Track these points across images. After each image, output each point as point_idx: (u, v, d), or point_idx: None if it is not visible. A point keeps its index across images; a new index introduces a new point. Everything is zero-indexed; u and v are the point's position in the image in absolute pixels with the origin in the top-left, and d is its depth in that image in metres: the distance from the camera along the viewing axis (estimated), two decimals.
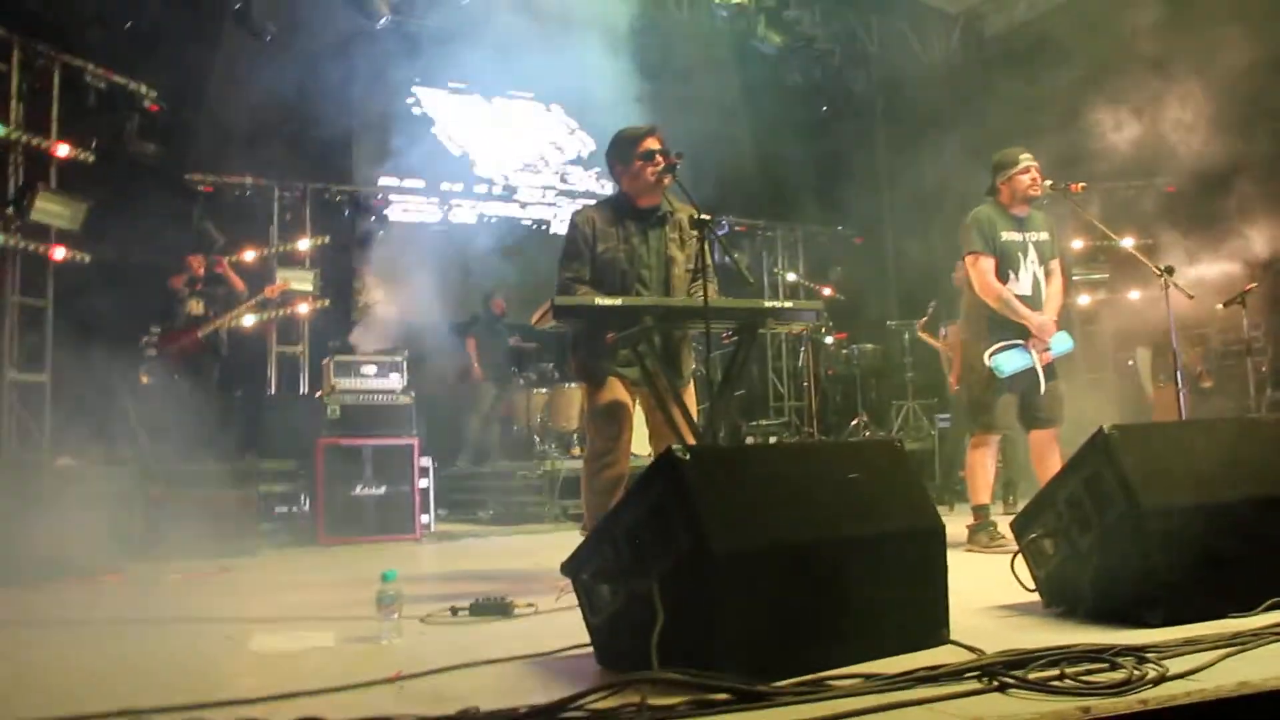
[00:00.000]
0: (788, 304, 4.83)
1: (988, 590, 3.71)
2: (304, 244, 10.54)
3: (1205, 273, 8.31)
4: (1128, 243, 6.95)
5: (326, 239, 10.51)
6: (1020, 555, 3.42)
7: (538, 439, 9.97)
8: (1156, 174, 10.76)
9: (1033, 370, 5.48)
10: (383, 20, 10.29)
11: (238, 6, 9.67)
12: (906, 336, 10.70)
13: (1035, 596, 3.39)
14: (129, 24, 8.98)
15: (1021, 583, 3.37)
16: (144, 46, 8.95)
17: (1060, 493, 3.28)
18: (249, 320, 8.75)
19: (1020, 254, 5.60)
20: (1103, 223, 6.66)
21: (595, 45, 8.41)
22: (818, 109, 13.57)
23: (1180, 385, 5.37)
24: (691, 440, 4.21)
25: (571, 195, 12.98)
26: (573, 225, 4.67)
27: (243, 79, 9.68)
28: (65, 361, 7.94)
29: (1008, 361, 5.46)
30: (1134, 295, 10.57)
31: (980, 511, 5.70)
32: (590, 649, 2.84)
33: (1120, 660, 2.37)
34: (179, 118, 9.46)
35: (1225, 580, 3.04)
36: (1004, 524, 4.72)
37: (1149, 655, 2.42)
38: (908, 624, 2.81)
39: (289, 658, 3.15)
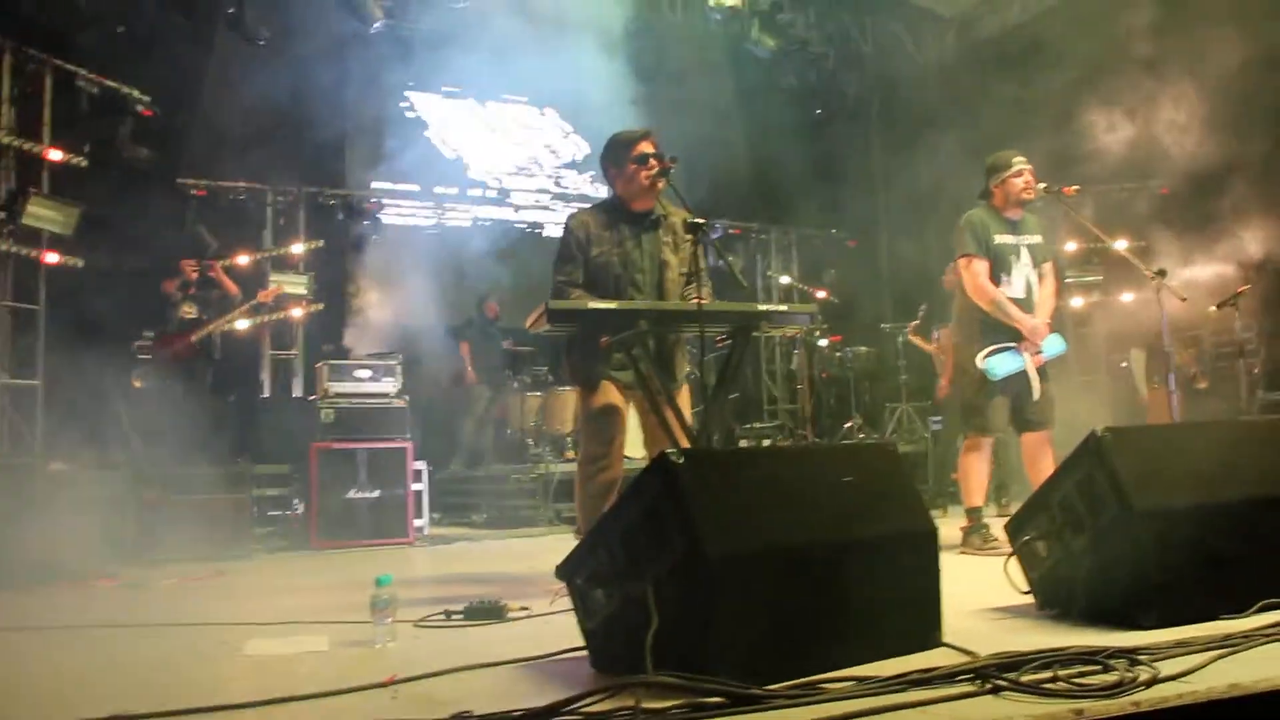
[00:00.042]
0: (782, 307, 4.82)
1: (981, 592, 3.71)
2: (298, 248, 10.53)
3: (1199, 274, 8.34)
4: (1121, 245, 6.95)
5: (320, 243, 10.49)
6: (1014, 557, 3.43)
7: (532, 442, 9.96)
8: (1150, 176, 10.78)
9: (1025, 373, 5.49)
10: (376, 24, 10.29)
11: (231, 11, 9.68)
12: (900, 339, 10.70)
13: (1029, 599, 3.39)
14: (122, 28, 8.97)
15: (1015, 585, 3.38)
16: (137, 51, 8.94)
17: (1053, 495, 3.28)
18: (243, 324, 8.74)
19: (1013, 257, 5.61)
20: (1096, 225, 6.68)
21: (589, 49, 8.42)
22: (812, 112, 13.58)
23: (1173, 387, 5.38)
24: (685, 443, 4.21)
25: (565, 199, 12.98)
26: (567, 229, 4.68)
27: (236, 83, 9.68)
28: (58, 366, 7.94)
29: (1000, 364, 5.47)
30: (1127, 297, 10.59)
31: (973, 514, 5.70)
32: (585, 652, 2.84)
33: (1113, 662, 2.37)
34: (172, 122, 9.46)
35: (1218, 582, 3.04)
36: (997, 526, 4.72)
37: (1141, 657, 2.43)
38: (901, 627, 2.81)
39: (283, 662, 3.15)
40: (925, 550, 2.95)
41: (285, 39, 9.82)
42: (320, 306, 10.16)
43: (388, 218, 11.76)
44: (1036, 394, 5.51)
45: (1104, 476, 3.09)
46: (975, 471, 5.75)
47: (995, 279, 5.55)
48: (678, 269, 4.67)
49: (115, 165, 8.66)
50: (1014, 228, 5.66)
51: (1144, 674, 2.29)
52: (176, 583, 5.68)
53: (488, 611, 3.78)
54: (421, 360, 9.84)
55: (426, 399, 9.51)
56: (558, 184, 13.13)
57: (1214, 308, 8.13)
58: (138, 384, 8.10)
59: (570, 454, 9.48)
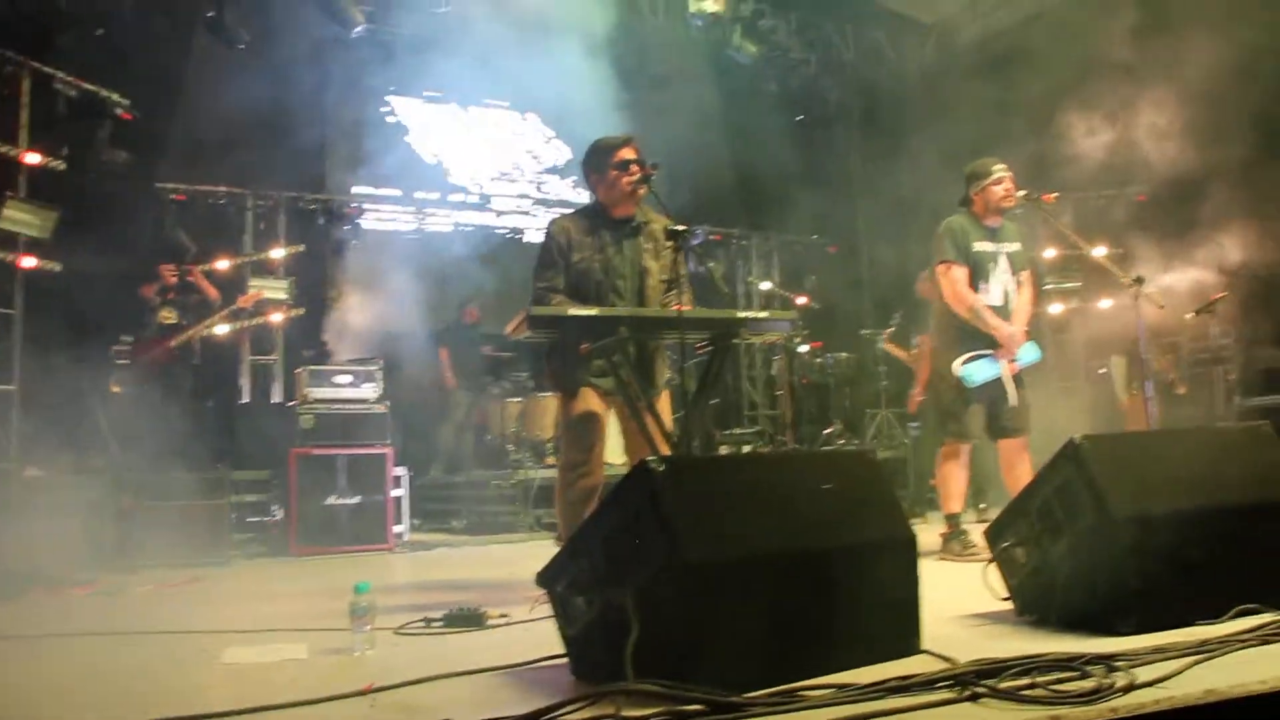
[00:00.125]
0: (762, 314, 4.86)
1: (960, 599, 3.72)
2: (278, 253, 10.49)
3: (1176, 281, 8.40)
4: (1099, 252, 7.00)
5: (301, 248, 10.45)
6: (992, 564, 3.44)
7: (512, 448, 9.94)
8: (1128, 183, 10.85)
9: (1001, 380, 5.51)
10: (357, 29, 10.27)
11: (210, 14, 9.63)
12: (879, 346, 10.73)
13: (1007, 605, 3.41)
14: (100, 31, 8.92)
15: (994, 591, 3.39)
16: (116, 54, 8.89)
17: (1032, 502, 3.30)
18: (222, 329, 8.69)
19: (992, 264, 5.63)
20: (1075, 232, 6.71)
21: (571, 54, 8.43)
22: (793, 118, 13.61)
23: (1149, 394, 5.41)
24: (666, 450, 4.21)
25: (547, 204, 12.97)
26: (548, 235, 4.67)
27: (216, 87, 9.63)
28: (35, 371, 7.87)
29: (977, 371, 5.49)
30: (1106, 304, 10.65)
31: (952, 520, 5.73)
32: (565, 660, 2.84)
33: (1090, 669, 2.39)
34: (151, 126, 9.39)
35: (1194, 588, 3.06)
36: (976, 532, 4.74)
37: (1119, 664, 2.44)
38: (881, 634, 2.82)
39: (261, 670, 3.13)
40: (904, 557, 2.97)
41: (265, 43, 9.78)
42: (300, 311, 10.11)
43: (368, 223, 11.72)
44: (1013, 401, 5.53)
45: (1082, 483, 3.11)
46: (953, 478, 5.77)
47: (973, 286, 5.58)
48: (658, 275, 4.67)
49: (94, 169, 8.60)
50: (993, 235, 5.69)
51: (1121, 680, 2.31)
52: (153, 589, 5.65)
53: (467, 619, 3.77)
54: (402, 366, 9.81)
55: (407, 404, 9.48)
56: (539, 189, 13.12)
57: (1190, 315, 8.19)
58: (116, 389, 8.04)
59: (550, 460, 9.46)
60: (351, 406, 8.04)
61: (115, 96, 8.62)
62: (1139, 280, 5.46)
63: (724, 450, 11.19)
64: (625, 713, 2.22)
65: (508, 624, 3.78)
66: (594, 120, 7.24)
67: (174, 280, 8.51)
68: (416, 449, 10.04)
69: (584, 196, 5.03)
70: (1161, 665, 2.47)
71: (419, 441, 10.37)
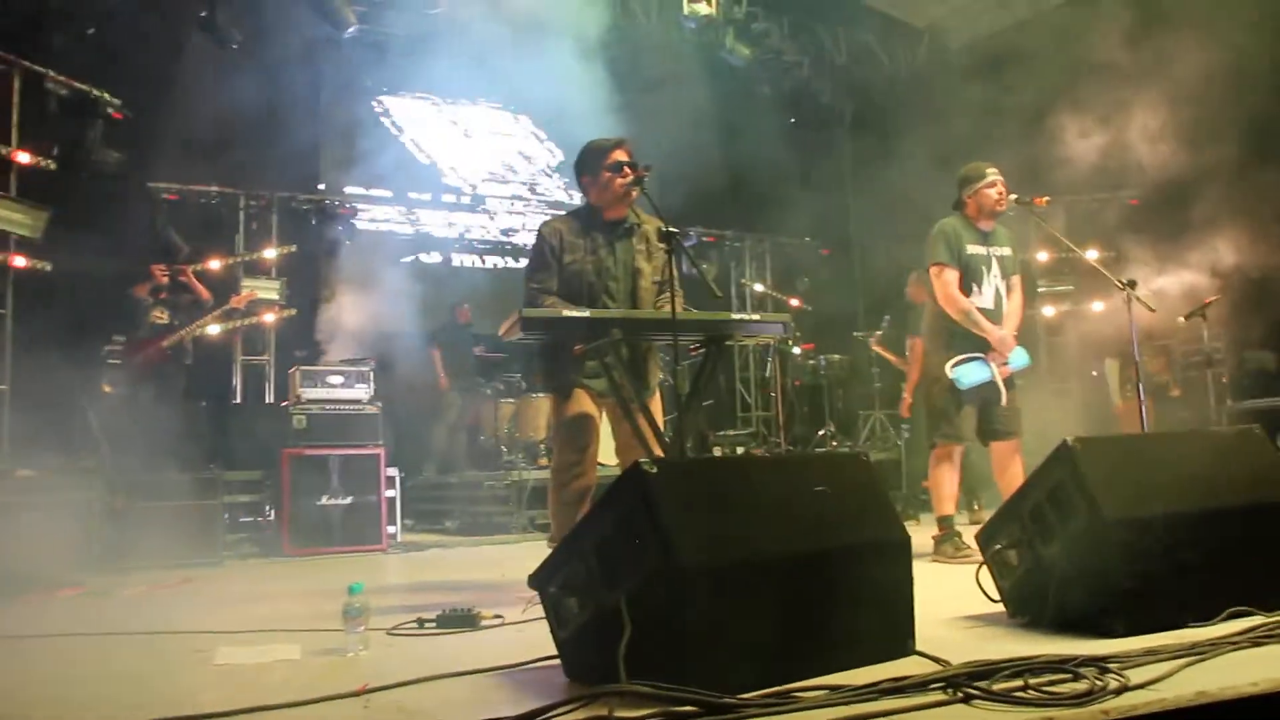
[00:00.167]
0: (754, 317, 4.86)
1: (953, 601, 3.73)
2: (270, 253, 10.47)
3: (1169, 284, 8.42)
4: (1091, 255, 7.02)
5: (293, 248, 10.44)
6: (985, 566, 3.45)
7: (505, 449, 9.94)
8: (1121, 186, 10.88)
9: (992, 383, 5.53)
10: (350, 29, 10.26)
11: (203, 14, 9.61)
12: (886, 346, 10.74)
13: (1000, 607, 3.42)
14: (91, 30, 8.89)
15: (986, 594, 3.40)
16: (107, 53, 8.87)
17: (1024, 504, 3.31)
18: (214, 329, 8.68)
19: (984, 268, 5.65)
20: (1067, 235, 6.73)
21: (564, 56, 8.42)
22: (785, 120, 13.64)
23: (1142, 397, 5.43)
24: (659, 451, 4.22)
25: (539, 205, 12.98)
26: (540, 236, 4.67)
27: (208, 87, 9.62)
28: (25, 371, 7.84)
29: (968, 374, 5.50)
30: (1098, 307, 10.69)
31: (945, 522, 5.74)
32: (558, 662, 2.84)
33: (1082, 671, 2.39)
34: (143, 125, 9.37)
35: (1186, 590, 3.07)
36: (969, 534, 4.75)
37: (1111, 665, 2.45)
38: (874, 636, 2.82)
39: (254, 671, 3.13)
40: (898, 559, 2.97)
41: (258, 42, 9.77)
42: (293, 312, 10.10)
43: (361, 223, 11.72)
44: (1004, 402, 5.55)
45: (1074, 485, 3.12)
46: (946, 480, 5.78)
47: (965, 289, 5.59)
48: (651, 277, 4.67)
49: (85, 168, 8.58)
50: (986, 239, 5.70)
51: (1113, 682, 2.32)
52: (146, 590, 5.63)
53: (461, 620, 3.77)
54: (394, 366, 9.81)
55: (399, 405, 9.47)
56: (532, 190, 13.13)
57: (1182, 319, 8.22)
58: (108, 389, 8.03)
59: (543, 460, 9.46)
60: (344, 407, 8.03)
61: (107, 96, 8.61)
62: (1131, 284, 5.47)
63: (717, 451, 11.21)
64: (618, 714, 2.22)
65: (501, 625, 3.77)
66: (587, 122, 7.23)
67: (166, 280, 8.50)
68: (409, 449, 10.05)
69: (577, 198, 5.03)
70: (1153, 667, 2.48)
71: (412, 442, 10.37)
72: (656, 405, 4.68)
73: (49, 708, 2.79)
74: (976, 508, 8.12)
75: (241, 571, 6.82)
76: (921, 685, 2.38)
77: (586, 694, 2.34)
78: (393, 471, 8.23)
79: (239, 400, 10.55)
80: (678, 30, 11.93)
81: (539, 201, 13.09)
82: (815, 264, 14.16)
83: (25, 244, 8.02)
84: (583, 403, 4.55)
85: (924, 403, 6.34)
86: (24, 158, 8.07)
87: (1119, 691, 2.27)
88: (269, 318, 10.02)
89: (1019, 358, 5.60)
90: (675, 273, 4.34)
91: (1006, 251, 5.76)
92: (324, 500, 7.65)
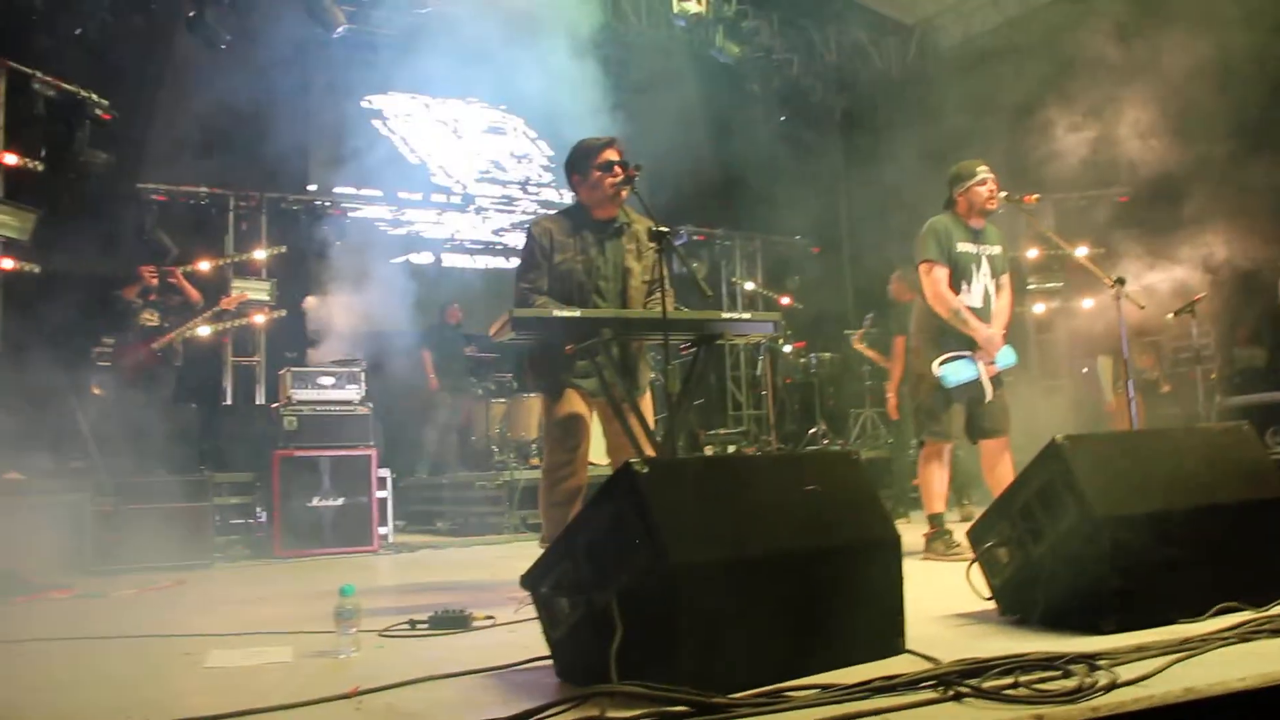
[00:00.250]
0: (745, 316, 4.87)
1: (944, 599, 3.74)
2: (260, 254, 10.46)
3: (1158, 281, 8.45)
4: (1081, 252, 7.04)
5: (283, 248, 10.42)
6: (976, 564, 3.46)
7: (496, 449, 9.94)
8: (1111, 184, 10.92)
9: (978, 382, 5.54)
10: (339, 29, 10.24)
11: (191, 14, 9.59)
12: (868, 344, 10.77)
13: (991, 604, 3.42)
14: (79, 30, 8.87)
15: (977, 591, 3.40)
16: (95, 54, 8.84)
17: (1015, 502, 3.32)
18: (204, 331, 8.66)
19: (973, 266, 5.65)
20: (1057, 232, 6.74)
21: (554, 54, 8.41)
22: (776, 118, 13.65)
23: (1131, 394, 5.44)
24: (649, 451, 4.22)
25: (530, 205, 12.98)
26: (530, 236, 4.67)
27: (197, 87, 9.60)
28: (14, 373, 7.83)
29: (954, 372, 5.51)
30: (1088, 304, 10.72)
31: (935, 520, 5.74)
32: (550, 662, 2.84)
33: (1073, 668, 2.40)
34: (131, 126, 9.35)
35: (1175, 587, 3.08)
36: (960, 531, 4.76)
37: (1100, 662, 2.45)
38: (865, 634, 2.83)
39: (245, 673, 3.12)
40: (888, 558, 2.97)
41: (246, 43, 9.74)
42: (283, 313, 10.09)
43: (351, 223, 11.70)
44: (988, 401, 5.55)
45: (1064, 483, 3.13)
46: (935, 478, 5.78)
47: (955, 287, 5.60)
48: (641, 276, 4.67)
49: (73, 169, 8.55)
50: (976, 237, 5.71)
51: (1103, 679, 2.32)
52: (136, 593, 5.62)
53: (452, 621, 3.76)
54: (385, 366, 9.80)
55: (390, 406, 9.46)
56: (523, 190, 13.12)
57: (1171, 316, 8.24)
58: (98, 391, 8.02)
59: (535, 461, 9.46)
60: (335, 408, 8.01)
61: (95, 97, 8.58)
62: (1120, 281, 5.49)
63: (708, 450, 11.22)
64: (610, 714, 2.22)
65: (493, 626, 3.77)
66: (577, 121, 7.24)
67: (155, 282, 8.49)
68: (400, 450, 10.03)
69: (568, 198, 5.03)
70: (1142, 664, 2.48)
71: (403, 443, 10.36)
72: (647, 404, 4.69)
73: (38, 712, 2.78)
74: (966, 503, 8.13)
75: (233, 573, 6.80)
76: (912, 683, 2.38)
77: (578, 694, 2.35)
78: (384, 472, 8.21)
79: (229, 402, 10.53)
80: (668, 28, 11.95)
81: (530, 201, 13.08)
82: (806, 262, 14.19)
83: (13, 246, 8.00)
84: (573, 403, 4.55)
85: (911, 400, 6.34)
86: (11, 159, 8.05)
87: (1109, 688, 2.27)
88: (259, 319, 10.00)
89: (1006, 357, 5.61)
90: (665, 272, 4.35)
91: (996, 250, 5.76)
92: (315, 501, 7.64)
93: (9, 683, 3.22)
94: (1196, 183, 8.98)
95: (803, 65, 13.42)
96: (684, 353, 5.31)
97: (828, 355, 12.00)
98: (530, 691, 2.63)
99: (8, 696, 3.00)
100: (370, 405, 8.16)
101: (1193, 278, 8.55)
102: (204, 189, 10.65)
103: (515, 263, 4.87)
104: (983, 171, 5.66)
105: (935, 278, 5.59)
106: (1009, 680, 2.34)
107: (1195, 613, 3.02)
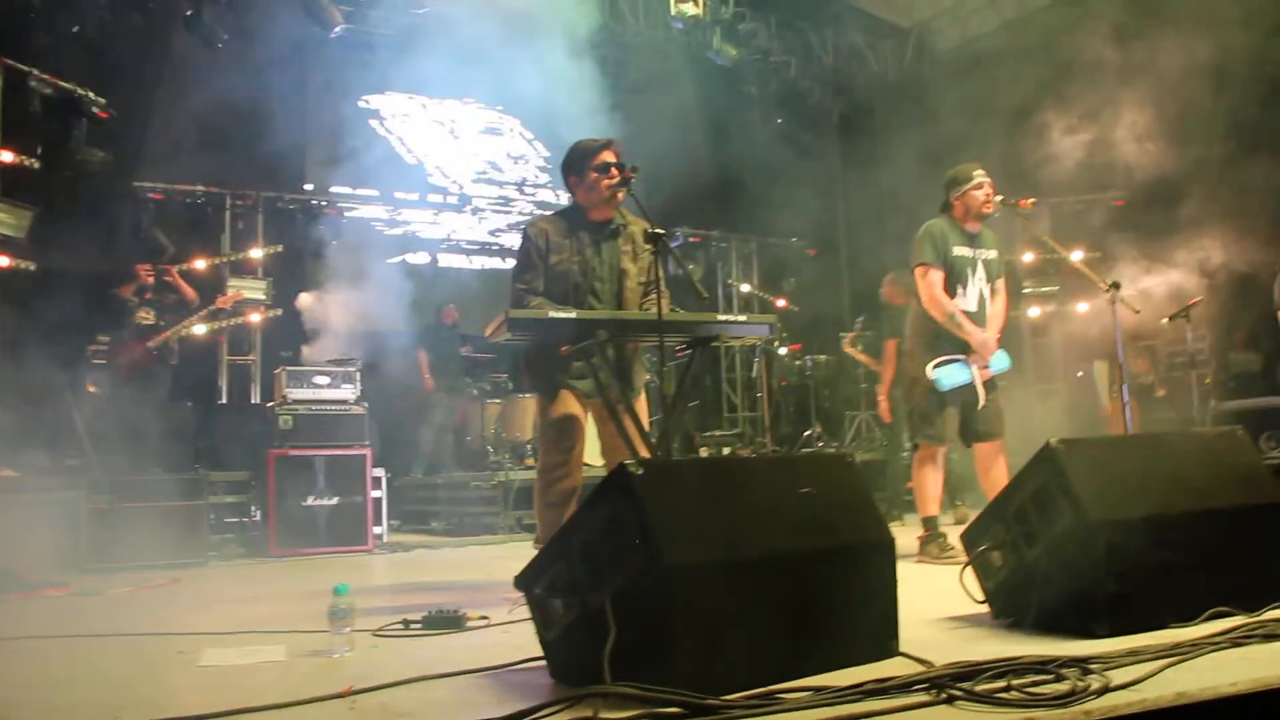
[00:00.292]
0: (740, 318, 4.87)
1: (938, 601, 3.74)
2: (256, 253, 10.45)
3: (1154, 285, 8.46)
4: (1077, 256, 7.04)
5: (279, 248, 10.42)
6: (969, 567, 3.46)
7: (491, 450, 9.93)
8: (1107, 188, 10.93)
9: (972, 385, 5.55)
10: (336, 29, 10.24)
11: (189, 13, 9.58)
12: (860, 346, 10.79)
13: (984, 608, 3.43)
14: (76, 28, 8.86)
15: (970, 594, 3.41)
16: (92, 52, 8.84)
17: (1009, 505, 3.33)
18: (200, 330, 8.65)
19: (969, 270, 5.66)
20: (1053, 236, 6.75)
21: (551, 56, 8.43)
22: (772, 121, 13.66)
23: (1126, 398, 5.45)
24: (644, 452, 4.22)
25: (527, 205, 12.98)
26: (525, 237, 4.67)
27: (194, 86, 9.60)
28: (9, 371, 7.82)
29: (948, 376, 5.52)
30: (1083, 308, 10.73)
31: (929, 523, 5.75)
32: (544, 663, 2.84)
33: (1065, 672, 2.41)
34: (128, 124, 9.34)
35: (1168, 591, 3.09)
36: (954, 534, 4.77)
37: (1093, 666, 2.46)
38: (859, 637, 2.83)
39: (239, 672, 3.12)
40: (882, 561, 2.98)
41: (244, 42, 9.74)
42: (279, 312, 10.08)
43: (348, 223, 11.69)
44: (981, 405, 5.56)
45: (1058, 486, 3.14)
46: (929, 481, 5.79)
47: (950, 291, 5.60)
48: (637, 278, 4.67)
49: (69, 167, 8.54)
50: (972, 241, 5.71)
51: (1095, 683, 2.33)
52: (130, 591, 5.61)
53: (446, 621, 3.76)
54: (381, 366, 9.79)
55: (385, 405, 9.46)
56: (519, 190, 13.12)
57: (1166, 320, 8.25)
58: (93, 389, 8.01)
59: (530, 461, 9.46)
60: (330, 407, 8.01)
61: (91, 95, 8.57)
62: (1115, 285, 5.50)
63: (704, 452, 11.22)
64: (603, 715, 2.22)
65: (487, 626, 3.77)
66: (574, 122, 7.24)
67: (151, 280, 8.48)
68: (395, 450, 10.03)
69: (564, 199, 5.03)
70: (1135, 668, 2.49)
71: (398, 442, 10.36)
72: (642, 406, 4.69)
73: (33, 709, 2.78)
74: (959, 504, 8.13)
75: (227, 572, 6.80)
76: (905, 686, 2.39)
77: (571, 695, 2.35)
78: (379, 472, 8.21)
79: (225, 400, 10.52)
80: (665, 30, 11.95)
81: (526, 202, 13.09)
82: (802, 264, 14.20)
83: (9, 243, 7.98)
84: (568, 403, 4.55)
85: (905, 403, 6.35)
86: (7, 156, 8.02)
87: (1101, 692, 2.28)
88: (255, 318, 9.99)
89: (1000, 361, 5.62)
90: (661, 274, 4.35)
91: (992, 254, 5.77)
92: (310, 501, 7.64)
93: (4, 680, 3.22)
94: (1193, 186, 8.99)
95: (800, 68, 13.42)
96: (679, 354, 5.31)
97: (823, 358, 12.01)
98: (524, 692, 2.63)
99: (3, 694, 3.00)
100: (366, 405, 8.16)
101: (1189, 282, 8.56)
102: (200, 188, 10.65)
103: (511, 263, 4.86)
104: (979, 176, 5.66)
105: (930, 281, 5.60)
106: (1001, 683, 2.35)
107: (1188, 617, 3.03)
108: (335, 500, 7.70)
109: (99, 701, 2.80)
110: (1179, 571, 3.13)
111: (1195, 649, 2.67)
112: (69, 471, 7.14)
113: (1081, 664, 2.47)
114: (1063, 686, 2.32)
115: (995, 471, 5.57)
